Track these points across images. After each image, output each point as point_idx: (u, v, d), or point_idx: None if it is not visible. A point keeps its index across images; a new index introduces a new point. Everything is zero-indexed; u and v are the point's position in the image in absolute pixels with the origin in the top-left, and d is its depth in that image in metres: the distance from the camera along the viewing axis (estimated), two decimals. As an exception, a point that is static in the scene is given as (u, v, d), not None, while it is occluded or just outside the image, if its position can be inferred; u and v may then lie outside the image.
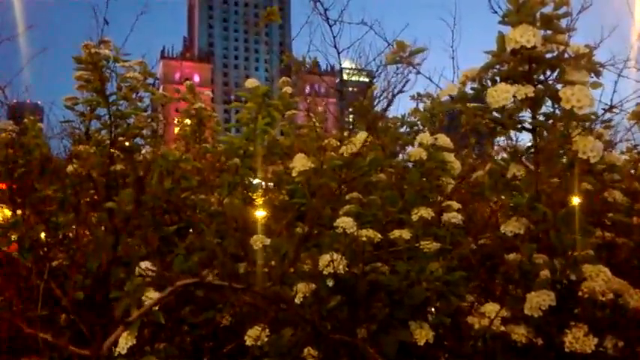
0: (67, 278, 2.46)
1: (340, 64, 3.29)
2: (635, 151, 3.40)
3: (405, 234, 2.16)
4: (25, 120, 3.31)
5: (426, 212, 2.19)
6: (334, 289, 1.91)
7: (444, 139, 2.34)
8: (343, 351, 1.88)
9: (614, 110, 2.50)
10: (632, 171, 2.78)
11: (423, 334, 1.90)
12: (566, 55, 1.65)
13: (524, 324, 1.73)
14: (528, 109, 1.67)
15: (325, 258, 1.86)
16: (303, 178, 2.35)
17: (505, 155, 1.84)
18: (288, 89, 3.28)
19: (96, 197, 2.73)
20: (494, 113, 1.72)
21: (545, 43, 1.58)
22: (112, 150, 2.96)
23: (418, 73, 2.32)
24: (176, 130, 4.60)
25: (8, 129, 2.74)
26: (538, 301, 1.64)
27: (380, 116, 3.57)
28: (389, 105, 2.91)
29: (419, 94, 3.32)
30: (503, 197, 1.86)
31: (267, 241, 2.09)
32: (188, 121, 4.29)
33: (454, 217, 2.20)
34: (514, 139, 1.91)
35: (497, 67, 1.66)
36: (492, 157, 2.02)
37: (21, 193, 2.70)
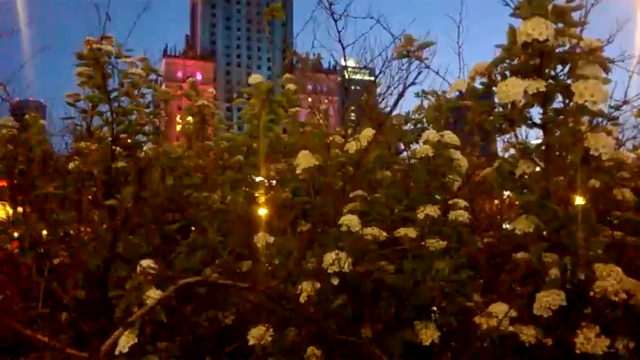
0: (67, 277, 2.43)
1: (345, 59, 3.25)
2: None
3: (411, 232, 2.12)
4: (27, 117, 3.29)
5: (432, 210, 2.15)
6: (339, 288, 1.88)
7: (450, 136, 2.30)
8: (348, 351, 1.85)
9: (623, 107, 2.47)
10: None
11: (428, 334, 1.87)
12: (577, 50, 1.61)
13: (533, 324, 1.69)
14: (538, 105, 1.64)
15: (330, 256, 1.83)
16: (308, 176, 2.32)
17: (514, 152, 1.80)
18: (292, 86, 3.25)
19: (97, 194, 2.70)
20: (503, 109, 1.69)
21: (557, 37, 1.55)
22: (113, 147, 2.93)
23: (427, 67, 2.27)
24: (178, 127, 4.57)
25: (9, 125, 2.71)
26: (548, 300, 1.61)
27: (384, 114, 3.53)
28: (397, 103, 2.87)
29: (424, 92, 3.29)
30: (511, 195, 1.82)
31: (271, 239, 2.06)
32: (190, 119, 4.26)
33: (461, 215, 2.17)
34: (522, 136, 1.87)
35: (508, 61, 1.63)
36: (499, 155, 1.98)
37: (22, 191, 2.67)
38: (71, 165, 2.87)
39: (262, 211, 2.77)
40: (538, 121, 1.70)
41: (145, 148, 2.93)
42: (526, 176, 1.69)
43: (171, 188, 2.51)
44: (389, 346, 1.84)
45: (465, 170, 2.33)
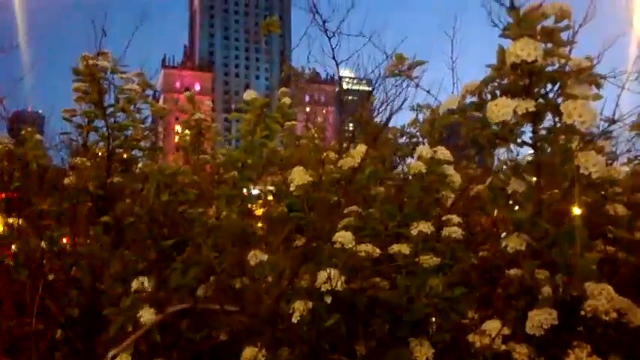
0: (62, 293, 2.43)
1: (339, 76, 3.28)
2: (637, 162, 3.37)
3: (404, 249, 2.13)
4: (24, 132, 3.29)
5: (426, 226, 2.16)
6: (332, 306, 1.88)
7: (443, 152, 2.31)
8: (341, 369, 1.85)
9: (615, 122, 2.49)
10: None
11: (422, 352, 1.87)
12: (567, 69, 1.63)
13: (525, 342, 1.69)
14: (528, 124, 1.65)
15: (322, 275, 1.83)
16: (302, 192, 2.33)
17: (506, 169, 1.81)
18: (287, 100, 3.26)
19: (92, 210, 2.70)
20: (495, 126, 1.70)
21: (545, 57, 1.56)
22: (109, 162, 2.94)
23: (417, 86, 2.30)
24: (176, 138, 4.59)
25: (4, 142, 2.72)
26: (540, 319, 1.61)
27: (379, 128, 3.55)
28: (389, 120, 2.89)
29: (418, 105, 3.31)
30: (504, 212, 1.83)
31: (264, 257, 2.06)
32: (187, 132, 4.28)
33: (454, 231, 2.17)
34: (515, 151, 1.88)
35: (498, 80, 1.64)
36: (493, 170, 1.99)
37: (17, 206, 2.67)
38: (67, 180, 2.88)
39: (257, 226, 2.78)
40: (529, 139, 1.71)
41: (140, 164, 2.94)
42: (518, 194, 1.70)
43: (166, 204, 2.52)
44: (383, 364, 1.84)
45: (458, 186, 2.34)
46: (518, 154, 1.90)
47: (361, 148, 2.31)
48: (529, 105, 1.51)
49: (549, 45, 1.60)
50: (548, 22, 1.59)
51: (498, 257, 2.14)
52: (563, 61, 1.65)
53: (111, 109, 2.99)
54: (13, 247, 2.65)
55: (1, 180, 2.78)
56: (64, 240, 2.70)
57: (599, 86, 1.87)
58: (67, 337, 2.37)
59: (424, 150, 2.34)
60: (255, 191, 3.10)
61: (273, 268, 2.03)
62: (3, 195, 2.90)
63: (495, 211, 2.49)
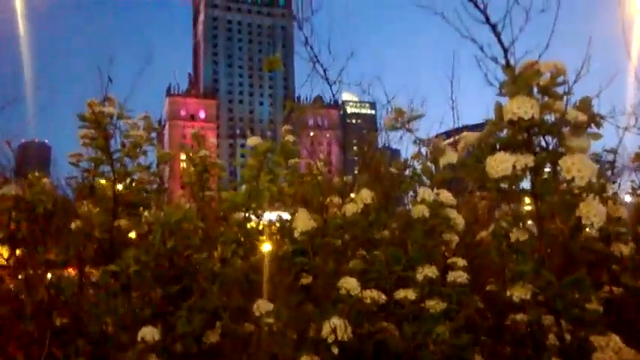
0: (70, 341, 2.44)
1: (344, 114, 3.32)
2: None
3: (410, 294, 2.13)
4: (30, 176, 3.33)
5: (431, 271, 2.17)
6: (339, 357, 1.87)
7: (445, 195, 2.33)
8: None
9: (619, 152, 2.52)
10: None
11: (431, 400, 1.86)
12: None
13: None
14: (528, 175, 1.66)
15: (328, 326, 1.84)
16: (306, 237, 2.34)
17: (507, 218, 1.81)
18: (291, 138, 3.30)
19: (99, 257, 2.72)
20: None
21: (542, 110, 1.59)
22: (115, 206, 2.97)
23: (417, 139, 2.33)
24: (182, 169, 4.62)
25: (12, 193, 2.75)
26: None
27: (382, 159, 3.57)
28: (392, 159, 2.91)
29: (421, 140, 3.33)
30: (507, 261, 1.84)
31: (269, 307, 2.07)
32: (192, 169, 4.32)
33: (459, 275, 2.18)
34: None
35: (497, 133, 1.66)
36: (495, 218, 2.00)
37: (24, 257, 2.69)
38: (73, 225, 2.90)
39: (263, 265, 2.77)
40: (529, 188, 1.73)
41: (146, 213, 2.96)
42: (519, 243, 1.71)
43: (172, 250, 2.53)
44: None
45: (461, 228, 2.35)
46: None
47: (365, 195, 2.33)
48: (528, 160, 1.53)
49: (546, 98, 1.63)
50: (545, 78, 1.62)
51: (504, 304, 2.13)
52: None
53: (117, 155, 3.03)
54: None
55: (8, 229, 2.80)
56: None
57: (598, 125, 1.90)
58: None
59: (426, 193, 2.36)
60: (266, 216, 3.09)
61: (279, 317, 2.03)
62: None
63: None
